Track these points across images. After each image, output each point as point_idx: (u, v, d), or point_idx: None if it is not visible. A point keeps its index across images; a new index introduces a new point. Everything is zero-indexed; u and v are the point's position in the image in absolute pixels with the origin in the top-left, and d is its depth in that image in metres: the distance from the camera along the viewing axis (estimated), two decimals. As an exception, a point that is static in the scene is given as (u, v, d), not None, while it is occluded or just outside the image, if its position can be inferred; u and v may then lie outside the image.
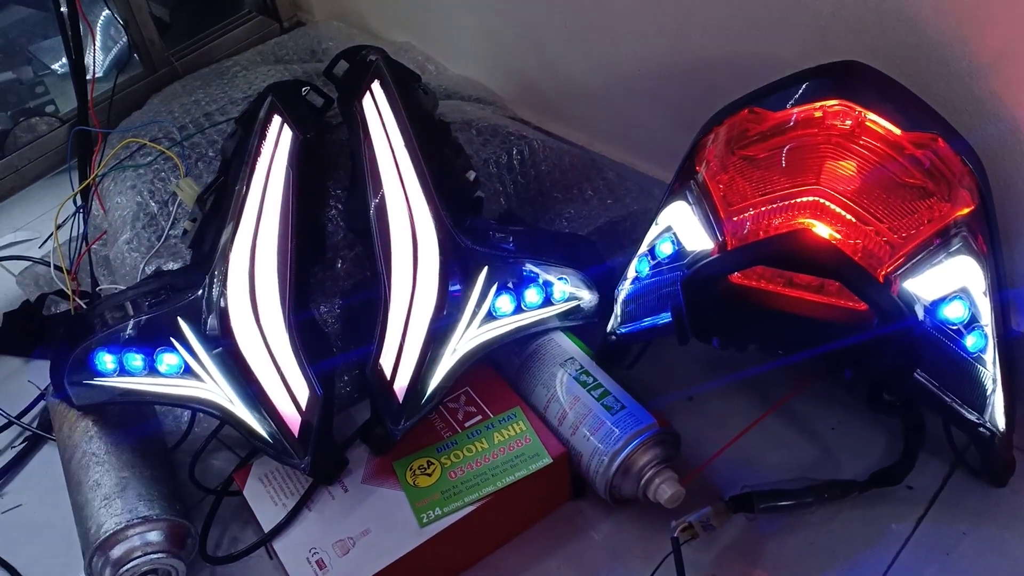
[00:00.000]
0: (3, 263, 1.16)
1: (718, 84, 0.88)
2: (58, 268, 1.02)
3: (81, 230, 1.03)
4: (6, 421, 1.02)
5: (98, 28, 1.22)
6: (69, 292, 0.98)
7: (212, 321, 0.80)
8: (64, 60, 1.30)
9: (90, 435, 0.88)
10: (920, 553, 0.82)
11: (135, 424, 0.91)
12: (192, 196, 0.93)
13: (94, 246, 1.03)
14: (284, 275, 0.83)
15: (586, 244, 0.94)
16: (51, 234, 1.22)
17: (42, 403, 1.04)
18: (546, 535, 0.87)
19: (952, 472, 0.87)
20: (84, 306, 1.00)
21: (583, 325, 0.94)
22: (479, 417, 0.88)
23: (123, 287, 0.96)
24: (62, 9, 1.07)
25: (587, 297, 0.92)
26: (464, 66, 1.20)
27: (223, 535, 0.90)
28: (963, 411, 0.77)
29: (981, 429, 0.78)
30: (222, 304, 0.80)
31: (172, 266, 0.93)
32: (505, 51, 1.14)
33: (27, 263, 1.16)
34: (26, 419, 1.03)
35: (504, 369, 0.93)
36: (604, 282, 0.93)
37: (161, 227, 0.96)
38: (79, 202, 1.06)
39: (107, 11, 1.21)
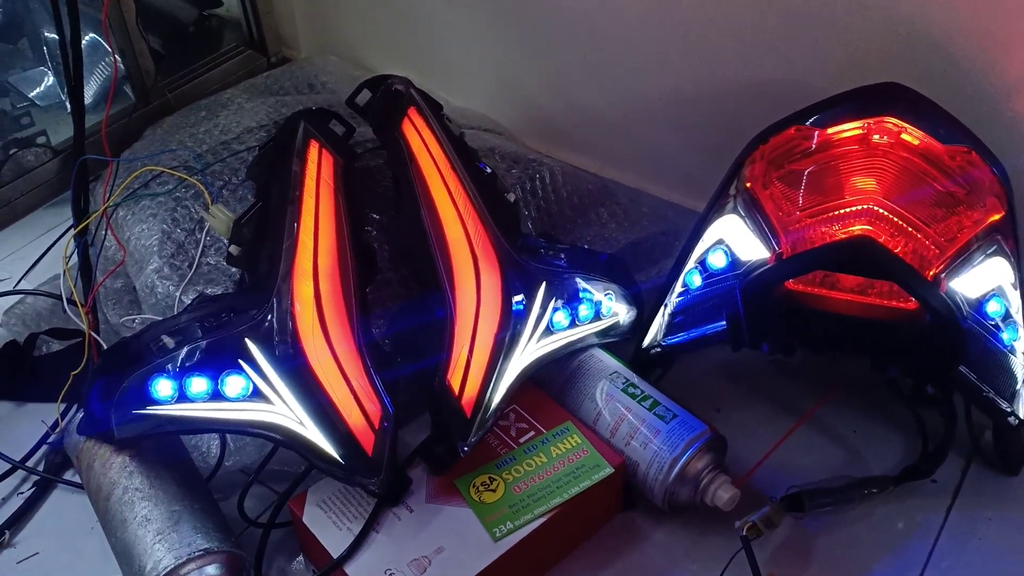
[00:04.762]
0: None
1: (742, 111, 0.94)
2: (71, 301, 0.97)
3: (94, 261, 0.98)
4: (8, 468, 0.96)
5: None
6: (86, 327, 0.93)
7: (283, 341, 0.78)
8: (41, 91, 1.26)
9: (129, 470, 0.84)
10: (955, 539, 0.87)
11: (172, 457, 0.87)
12: (225, 222, 0.91)
13: (105, 280, 0.99)
14: (348, 294, 0.83)
15: (620, 263, 0.97)
16: (27, 271, 1.17)
17: (45, 446, 0.98)
18: (605, 545, 0.88)
19: (968, 465, 0.94)
20: (101, 340, 0.96)
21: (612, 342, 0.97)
22: (532, 433, 0.89)
23: (153, 316, 0.93)
24: (62, 34, 1.03)
25: (624, 313, 0.95)
26: (468, 99, 1.22)
27: (269, 568, 0.87)
28: (998, 401, 0.83)
29: (1011, 419, 0.85)
30: (291, 323, 0.79)
31: (211, 292, 0.91)
32: (513, 83, 1.17)
33: (10, 303, 1.10)
34: (30, 463, 0.97)
35: (546, 387, 0.94)
36: (637, 300, 0.97)
37: (191, 255, 0.94)
38: (82, 234, 1.02)
39: (90, 35, 1.17)
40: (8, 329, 1.09)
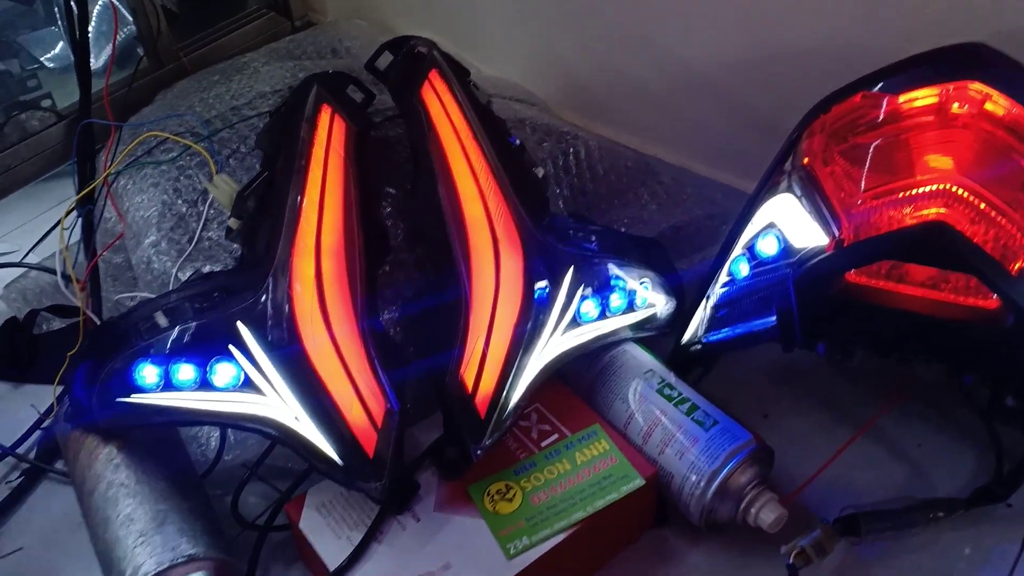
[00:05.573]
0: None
1: (801, 79, 0.84)
2: (66, 277, 0.90)
3: (94, 232, 0.92)
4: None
5: (92, 17, 1.11)
6: (81, 305, 0.87)
7: (277, 325, 0.70)
8: (53, 53, 1.20)
9: (116, 463, 0.77)
10: (1034, 574, 0.77)
11: (165, 449, 0.80)
12: (229, 194, 0.84)
13: (103, 253, 0.92)
14: (354, 276, 0.75)
15: (658, 248, 0.88)
16: (34, 245, 1.11)
17: (38, 431, 0.92)
18: (632, 567, 0.79)
19: (1050, 488, 0.83)
20: (96, 320, 0.89)
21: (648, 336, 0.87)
22: (555, 436, 0.80)
23: (150, 295, 0.86)
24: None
25: (662, 304, 0.86)
26: (499, 67, 1.14)
27: (266, 575, 0.80)
28: (1093, 418, 0.73)
29: (1105, 438, 0.74)
30: (288, 307, 0.71)
31: (208, 269, 0.83)
32: (549, 51, 1.08)
33: (13, 276, 1.05)
34: (21, 449, 0.91)
35: (573, 384, 0.85)
36: (676, 290, 0.87)
37: (192, 229, 0.86)
38: (85, 203, 0.95)
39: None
40: (8, 304, 1.04)
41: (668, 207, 0.98)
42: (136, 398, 0.72)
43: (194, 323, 0.71)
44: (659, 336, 0.88)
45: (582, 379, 0.85)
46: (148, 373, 0.71)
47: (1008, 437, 0.82)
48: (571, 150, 0.96)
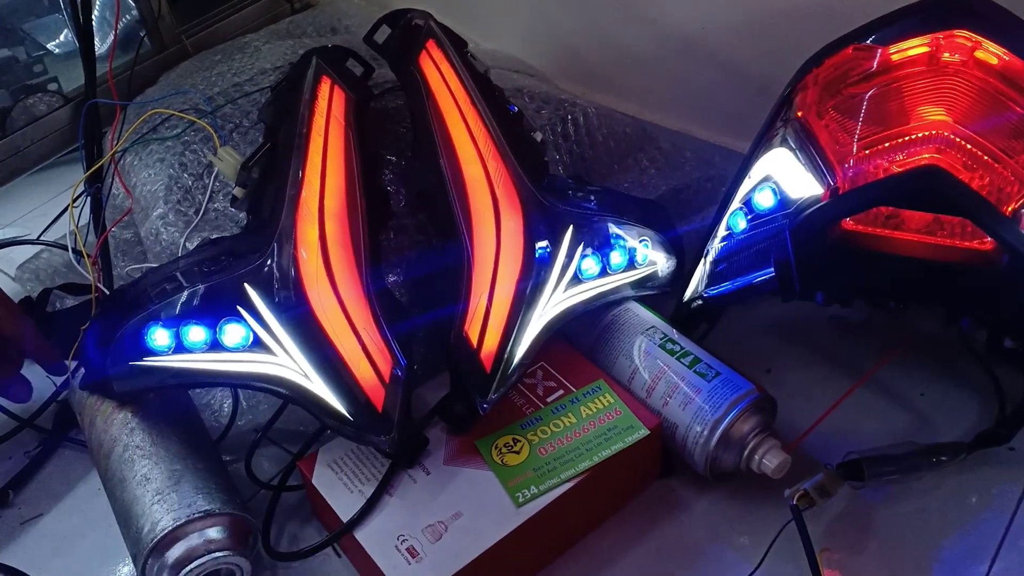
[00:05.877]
0: (-4, 257, 1.05)
1: (798, 37, 0.84)
2: (77, 253, 0.92)
3: (103, 209, 0.93)
4: (16, 425, 0.92)
5: (96, 2, 1.13)
6: (92, 279, 0.88)
7: (284, 287, 0.72)
8: (58, 40, 1.22)
9: (131, 427, 0.79)
10: (1036, 515, 0.78)
11: (178, 414, 0.82)
12: (233, 166, 0.85)
13: (112, 229, 0.94)
14: (358, 239, 0.76)
15: (657, 208, 0.89)
16: (46, 228, 1.13)
17: (55, 404, 0.94)
18: (639, 516, 0.80)
19: (1048, 430, 0.84)
20: (107, 292, 0.91)
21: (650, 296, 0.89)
22: (561, 392, 0.81)
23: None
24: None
25: (663, 263, 0.87)
26: (497, 40, 1.15)
27: (280, 533, 0.81)
28: (1089, 357, 0.74)
29: (1102, 377, 0.75)
30: (294, 268, 0.72)
31: (217, 236, 0.85)
32: (545, 22, 1.09)
33: (27, 257, 1.07)
34: (38, 421, 0.93)
35: (576, 343, 0.87)
36: (676, 249, 0.88)
37: (198, 201, 0.88)
38: (93, 182, 0.97)
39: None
40: (22, 284, 1.06)
41: (667, 171, 0.99)
42: (149, 361, 0.74)
43: (202, 286, 0.73)
44: (661, 296, 0.89)
45: (585, 338, 0.86)
46: (159, 336, 0.73)
47: (1008, 380, 0.83)
48: (569, 117, 0.97)
